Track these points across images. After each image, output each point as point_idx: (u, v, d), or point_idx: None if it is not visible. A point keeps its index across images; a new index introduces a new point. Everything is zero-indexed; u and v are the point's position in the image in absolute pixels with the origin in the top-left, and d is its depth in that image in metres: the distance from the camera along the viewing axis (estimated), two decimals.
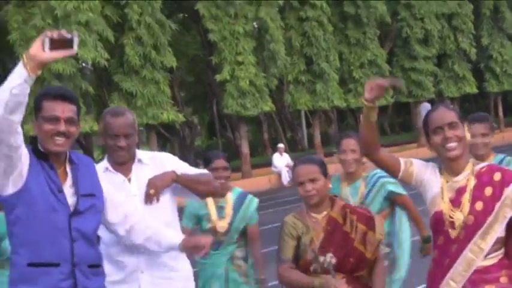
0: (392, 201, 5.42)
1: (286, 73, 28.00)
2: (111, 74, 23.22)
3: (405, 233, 5.52)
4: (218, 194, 4.56)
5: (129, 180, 4.14)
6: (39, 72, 3.10)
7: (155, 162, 4.22)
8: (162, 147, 36.64)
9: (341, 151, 5.30)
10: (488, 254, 3.47)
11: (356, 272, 4.03)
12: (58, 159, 3.55)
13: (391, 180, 5.25)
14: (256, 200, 5.50)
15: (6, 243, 5.09)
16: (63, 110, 3.48)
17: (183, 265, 4.24)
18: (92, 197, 3.62)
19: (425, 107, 33.64)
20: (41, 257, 3.43)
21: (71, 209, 3.51)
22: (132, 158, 4.17)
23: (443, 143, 3.52)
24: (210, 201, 5.33)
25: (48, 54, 3.05)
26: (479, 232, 3.45)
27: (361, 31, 30.39)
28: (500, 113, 38.06)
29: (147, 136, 23.32)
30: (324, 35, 28.01)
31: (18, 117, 3.12)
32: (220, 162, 5.31)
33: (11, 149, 3.23)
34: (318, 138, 29.08)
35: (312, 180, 4.02)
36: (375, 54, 30.27)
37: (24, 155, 3.39)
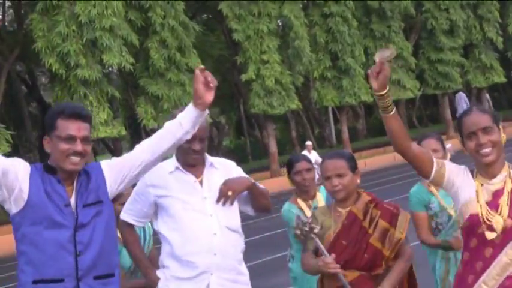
0: None
1: (312, 70, 27.82)
2: (136, 78, 23.26)
3: None
4: (271, 210, 4.52)
5: (201, 182, 4.15)
6: None
7: (224, 167, 4.27)
8: None
9: None
10: None
11: (373, 270, 3.95)
12: (70, 176, 3.51)
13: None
14: None
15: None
16: (78, 129, 3.45)
17: (245, 269, 4.27)
18: (98, 204, 3.56)
19: (461, 96, 33.18)
20: (45, 273, 3.39)
21: (76, 222, 3.45)
22: (203, 161, 4.20)
23: (477, 149, 3.39)
24: (303, 205, 5.22)
25: None
26: None
27: (386, 24, 30.13)
28: None
29: None
30: (348, 30, 27.80)
31: None
32: (303, 165, 5.21)
33: None
34: (345, 134, 28.90)
35: (339, 176, 3.98)
36: (401, 47, 29.96)
37: (19, 174, 3.36)
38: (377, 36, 29.99)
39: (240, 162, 33.40)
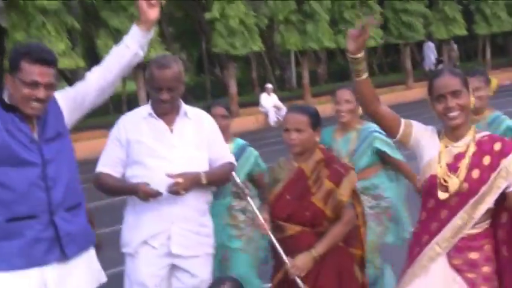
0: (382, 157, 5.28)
1: (277, 12, 27.51)
2: (98, 10, 22.74)
3: (393, 190, 5.40)
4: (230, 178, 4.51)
5: (171, 130, 4.11)
6: None
7: (198, 119, 4.25)
8: None
9: (336, 102, 5.21)
10: (476, 223, 3.43)
11: (315, 226, 4.00)
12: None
13: (383, 137, 5.10)
14: (256, 154, 5.28)
15: None
16: (43, 74, 3.36)
17: (208, 221, 4.31)
18: (59, 137, 3.53)
19: (429, 46, 33.35)
20: (17, 212, 3.35)
21: (43, 158, 3.41)
22: (176, 109, 4.17)
23: (445, 112, 3.43)
24: None
25: None
26: (472, 201, 3.40)
27: None
28: (488, 55, 37.84)
29: (135, 73, 23.01)
30: None
31: None
32: (218, 110, 5.14)
33: None
34: (306, 79, 28.82)
35: (298, 130, 3.99)
36: None
37: None
38: None
39: (199, 100, 32.97)
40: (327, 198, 3.95)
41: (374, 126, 5.15)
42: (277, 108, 24.29)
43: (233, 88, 25.84)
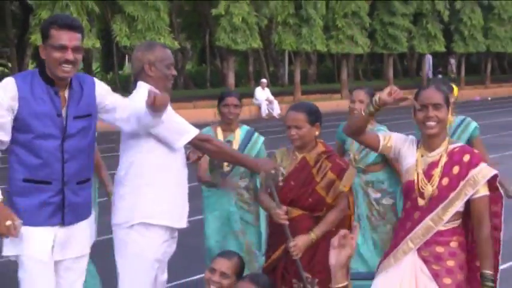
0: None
1: (276, 14, 27.46)
2: None
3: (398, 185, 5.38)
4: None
5: None
6: None
7: None
8: None
9: (351, 100, 5.26)
10: (446, 222, 3.53)
11: (315, 211, 4.08)
12: (63, 85, 3.50)
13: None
14: (262, 138, 5.36)
15: None
16: (70, 38, 3.43)
17: None
18: (87, 117, 3.58)
19: (428, 58, 34.14)
20: (35, 175, 3.45)
21: (65, 133, 3.47)
22: None
23: (424, 120, 3.54)
24: (220, 134, 5.22)
25: None
26: (442, 205, 3.50)
27: None
28: (463, 72, 37.99)
29: None
30: None
31: None
32: (233, 100, 5.20)
33: None
34: (298, 77, 28.80)
35: (296, 127, 4.07)
36: (359, 6, 29.66)
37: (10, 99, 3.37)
38: None
39: (199, 87, 32.67)
40: (328, 188, 4.05)
41: (384, 128, 5.13)
42: (269, 101, 24.28)
43: (231, 79, 25.81)
